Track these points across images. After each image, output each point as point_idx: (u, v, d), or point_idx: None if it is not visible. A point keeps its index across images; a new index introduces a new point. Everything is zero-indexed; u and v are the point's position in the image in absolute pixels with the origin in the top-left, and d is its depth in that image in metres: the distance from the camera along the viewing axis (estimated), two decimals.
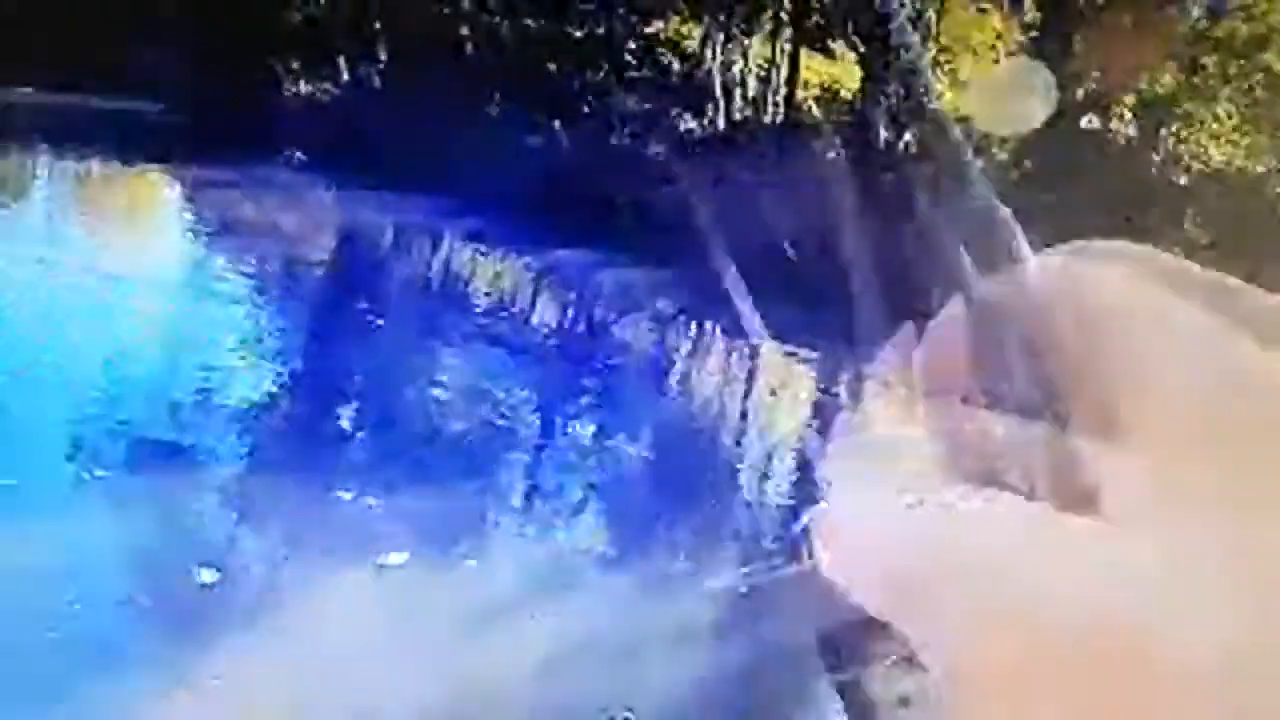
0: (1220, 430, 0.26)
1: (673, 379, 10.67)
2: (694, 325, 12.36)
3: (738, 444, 8.94)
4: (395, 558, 5.46)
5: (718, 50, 19.75)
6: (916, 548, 0.29)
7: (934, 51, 18.94)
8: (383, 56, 20.30)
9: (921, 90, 0.32)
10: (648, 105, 19.38)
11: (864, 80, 17.92)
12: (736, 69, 19.86)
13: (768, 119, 19.58)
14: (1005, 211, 0.31)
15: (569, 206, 14.98)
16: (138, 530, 5.41)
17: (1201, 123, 16.22)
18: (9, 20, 17.82)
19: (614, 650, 4.88)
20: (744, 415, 9.84)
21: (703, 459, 8.21)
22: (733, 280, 0.42)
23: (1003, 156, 16.89)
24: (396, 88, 19.60)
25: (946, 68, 18.67)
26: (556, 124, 18.48)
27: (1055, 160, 15.28)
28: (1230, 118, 16.08)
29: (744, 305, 0.40)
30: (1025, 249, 0.30)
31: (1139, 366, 0.28)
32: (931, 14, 17.35)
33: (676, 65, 20.50)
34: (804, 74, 19.73)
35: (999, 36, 19.26)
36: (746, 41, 20.06)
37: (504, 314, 12.01)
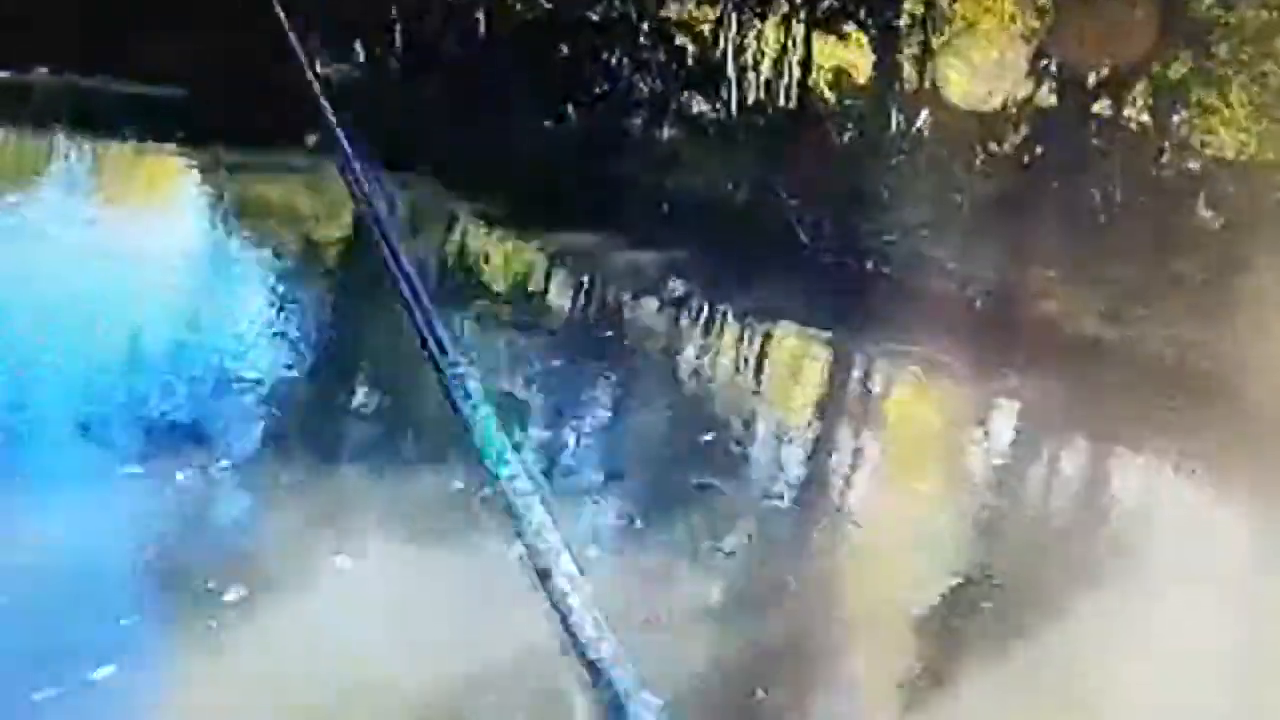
0: None
1: (684, 360, 10.78)
2: (706, 306, 12.46)
3: (747, 426, 9.05)
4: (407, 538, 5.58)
5: (731, 33, 19.83)
6: None
7: (946, 36, 18.96)
8: (399, 40, 20.38)
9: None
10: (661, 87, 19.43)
11: (876, 64, 17.98)
12: (750, 52, 19.93)
13: (780, 102, 19.63)
14: None
15: (582, 189, 15.07)
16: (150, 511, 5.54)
17: (1214, 110, 16.22)
18: (27, 2, 17.90)
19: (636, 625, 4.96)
20: (756, 393, 9.96)
21: (717, 438, 8.30)
22: None
23: (1015, 141, 16.93)
24: (413, 70, 19.68)
25: (959, 51, 18.69)
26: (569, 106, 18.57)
27: (1066, 146, 15.31)
28: (1243, 104, 16.08)
29: None
30: None
31: None
32: None
33: (691, 48, 20.54)
34: (816, 57, 19.76)
35: (1012, 19, 19.23)
36: (759, 25, 20.12)
37: (517, 295, 12.13)
